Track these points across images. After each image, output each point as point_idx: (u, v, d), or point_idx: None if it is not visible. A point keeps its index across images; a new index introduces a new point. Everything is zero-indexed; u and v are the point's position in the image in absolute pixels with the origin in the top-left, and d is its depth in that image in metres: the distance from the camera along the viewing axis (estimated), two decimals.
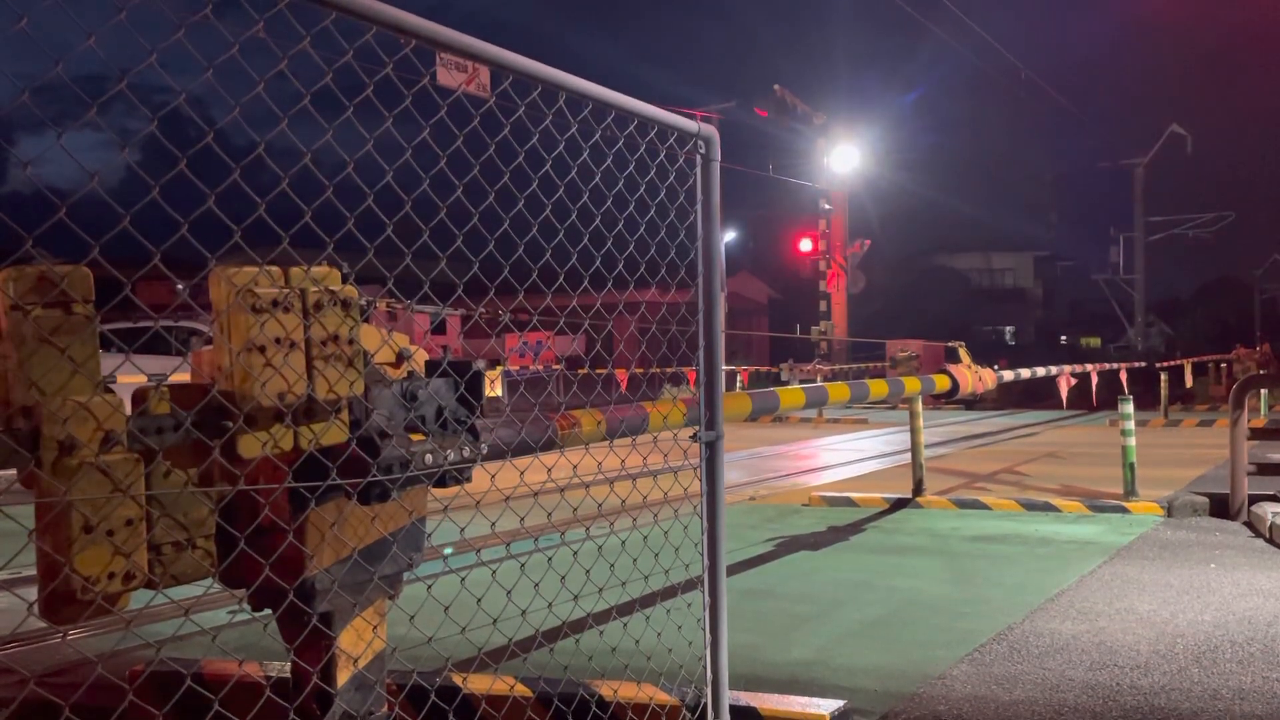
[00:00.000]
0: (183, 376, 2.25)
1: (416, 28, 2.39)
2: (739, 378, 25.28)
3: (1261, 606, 5.65)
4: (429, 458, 2.47)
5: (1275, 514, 7.77)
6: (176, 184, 2.04)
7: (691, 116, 3.47)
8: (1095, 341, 44.97)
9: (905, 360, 11.60)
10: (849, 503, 9.96)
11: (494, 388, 15.68)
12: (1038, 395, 28.22)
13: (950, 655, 4.84)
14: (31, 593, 1.91)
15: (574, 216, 3.15)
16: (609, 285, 3.39)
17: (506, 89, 2.82)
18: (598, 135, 3.16)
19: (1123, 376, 22.70)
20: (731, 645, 3.48)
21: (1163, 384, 21.93)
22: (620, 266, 3.40)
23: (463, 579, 2.87)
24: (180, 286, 2.09)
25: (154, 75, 1.98)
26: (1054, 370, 15.97)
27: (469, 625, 2.91)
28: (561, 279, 3.20)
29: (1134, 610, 5.63)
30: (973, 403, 26.05)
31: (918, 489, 9.92)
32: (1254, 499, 8.53)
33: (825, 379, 26.61)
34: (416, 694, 3.54)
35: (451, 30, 2.50)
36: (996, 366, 12.92)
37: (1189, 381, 29.28)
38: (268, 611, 2.42)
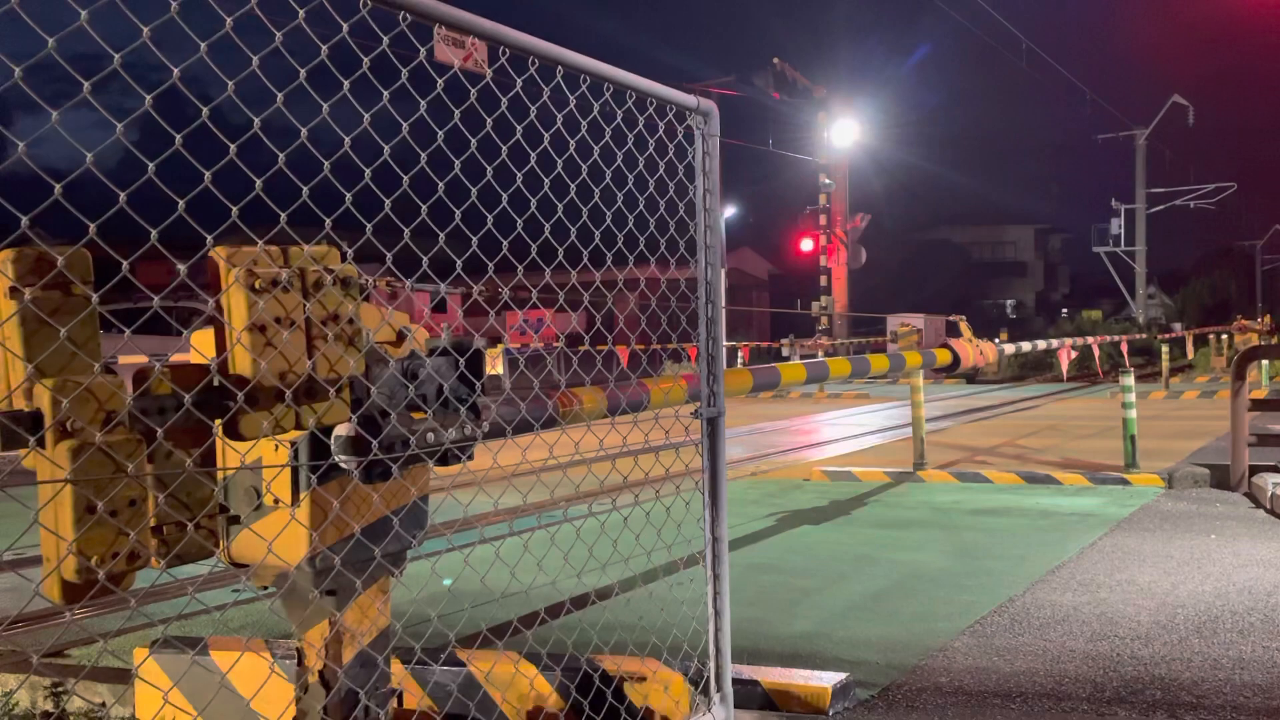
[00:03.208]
0: (183, 357, 2.25)
1: (412, 3, 2.37)
2: (740, 354, 25.28)
3: (1261, 577, 5.68)
4: (430, 436, 2.47)
5: (1276, 485, 7.78)
6: (173, 164, 2.03)
7: (690, 91, 3.45)
8: (1097, 314, 45.01)
9: (906, 335, 11.59)
10: (850, 477, 9.98)
11: (494, 366, 15.68)
12: (1038, 368, 28.24)
13: (952, 627, 4.86)
14: (36, 573, 1.92)
15: (573, 193, 3.14)
16: (609, 262, 3.39)
17: (504, 65, 2.80)
18: (595, 111, 3.14)
19: (1124, 348, 22.71)
20: (734, 619, 3.50)
21: (1164, 356, 21.94)
22: (620, 243, 3.39)
23: (466, 556, 2.88)
24: (180, 267, 2.08)
25: (149, 54, 1.97)
26: (1055, 343, 15.97)
27: (473, 602, 2.93)
28: (561, 256, 3.20)
29: (1135, 581, 5.65)
30: (973, 376, 26.07)
31: (919, 463, 9.94)
32: (1254, 470, 8.54)
33: (827, 354, 26.62)
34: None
35: (447, 5, 2.48)
36: (998, 340, 12.91)
37: (1190, 353, 29.29)
38: (272, 589, 2.43)
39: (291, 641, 2.54)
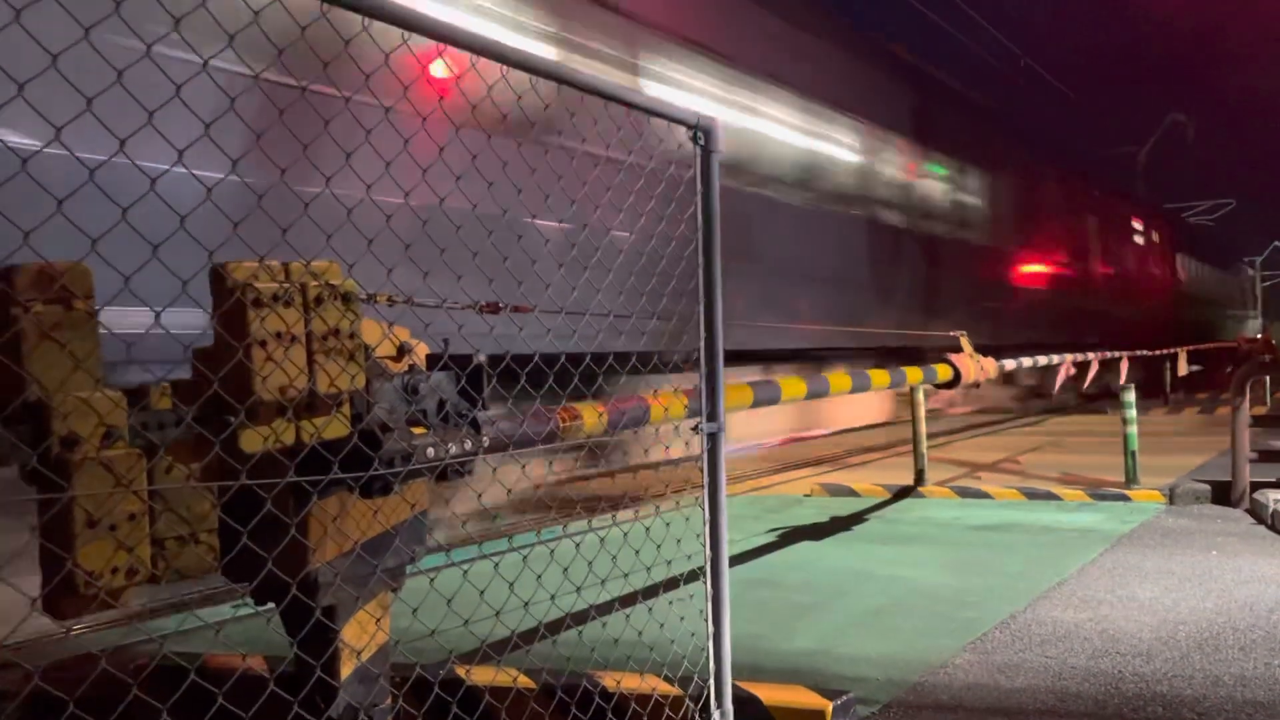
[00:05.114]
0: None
1: (421, 22, 2.38)
2: None
3: (1263, 593, 5.66)
4: (430, 451, 2.47)
5: (1277, 501, 7.77)
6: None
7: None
8: None
9: None
10: (851, 493, 9.96)
11: None
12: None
13: (953, 644, 4.85)
14: (35, 587, 1.91)
15: (575, 204, 3.15)
16: (610, 270, 3.39)
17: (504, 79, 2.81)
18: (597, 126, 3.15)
19: (1124, 365, 22.66)
20: (734, 635, 3.49)
21: (1165, 371, 21.92)
22: (622, 255, 3.40)
23: (465, 572, 2.87)
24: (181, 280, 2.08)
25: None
26: (1055, 359, 15.92)
27: (472, 618, 2.92)
28: (562, 271, 3.20)
29: (1136, 598, 5.64)
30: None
31: (919, 478, 9.92)
32: (1255, 486, 8.52)
33: None
34: (420, 686, 3.55)
35: (450, 22, 2.50)
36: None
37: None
38: (271, 605, 2.43)
39: (290, 657, 2.53)
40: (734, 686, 3.50)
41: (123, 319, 1.97)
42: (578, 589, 3.26)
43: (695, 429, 3.42)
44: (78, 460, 1.86)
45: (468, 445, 2.60)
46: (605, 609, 3.95)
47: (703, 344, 3.43)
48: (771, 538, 7.85)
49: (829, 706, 3.77)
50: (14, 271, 1.87)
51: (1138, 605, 5.48)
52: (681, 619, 3.56)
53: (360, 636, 2.49)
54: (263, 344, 2.12)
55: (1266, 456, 9.40)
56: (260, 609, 2.48)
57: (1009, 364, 11.20)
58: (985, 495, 9.47)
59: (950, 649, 4.78)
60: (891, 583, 6.23)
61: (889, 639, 4.99)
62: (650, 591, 4.10)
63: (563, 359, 3.15)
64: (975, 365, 9.47)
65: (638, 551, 3.39)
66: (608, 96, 3.02)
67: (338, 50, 2.25)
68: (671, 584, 3.74)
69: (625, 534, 3.41)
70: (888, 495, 9.73)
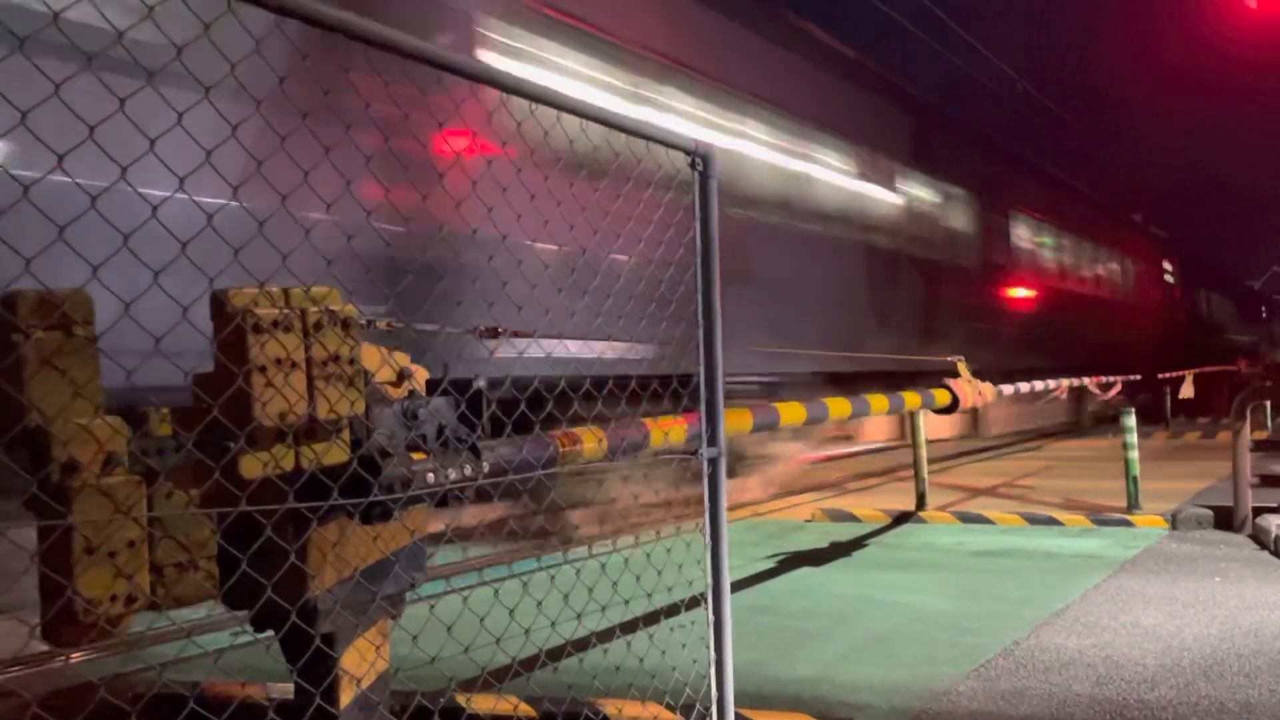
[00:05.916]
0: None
1: (420, 51, 2.40)
2: None
3: (1267, 619, 5.63)
4: (430, 476, 2.46)
5: (1279, 526, 7.74)
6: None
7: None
8: None
9: None
10: (851, 518, 9.93)
11: None
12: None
13: (956, 671, 4.82)
14: (34, 616, 1.90)
15: (573, 229, 3.16)
16: (611, 295, 3.40)
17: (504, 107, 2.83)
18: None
19: (1117, 388, 22.64)
20: (736, 662, 3.47)
21: (1166, 396, 21.92)
22: (623, 278, 3.41)
23: (465, 598, 2.86)
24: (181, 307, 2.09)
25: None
26: (1052, 384, 15.91)
27: (472, 645, 2.90)
28: (563, 293, 3.21)
29: (1139, 624, 5.61)
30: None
31: (920, 504, 9.89)
32: (1258, 511, 8.49)
33: None
34: (420, 714, 3.53)
35: (449, 52, 2.51)
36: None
37: (1192, 393, 29.22)
38: (270, 632, 2.41)
39: (289, 685, 2.52)
40: (736, 714, 3.47)
41: None
42: (579, 615, 3.25)
43: (695, 454, 3.41)
44: (78, 487, 1.86)
45: (467, 470, 2.59)
46: (606, 636, 3.93)
47: (702, 369, 3.43)
48: (773, 563, 7.82)
49: None
50: (15, 297, 1.88)
51: (1142, 632, 5.45)
52: (683, 646, 3.54)
53: (360, 664, 2.47)
54: (263, 370, 2.12)
55: (1268, 481, 9.38)
56: (259, 636, 2.47)
57: (1006, 389, 11.19)
58: (986, 520, 9.44)
59: (953, 676, 4.74)
60: (893, 609, 6.20)
61: (891, 666, 4.96)
62: (651, 618, 4.08)
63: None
64: (973, 390, 9.46)
65: (639, 577, 3.37)
66: (607, 124, 3.04)
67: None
68: (673, 610, 3.73)
69: (626, 560, 3.39)
70: (889, 520, 9.70)
